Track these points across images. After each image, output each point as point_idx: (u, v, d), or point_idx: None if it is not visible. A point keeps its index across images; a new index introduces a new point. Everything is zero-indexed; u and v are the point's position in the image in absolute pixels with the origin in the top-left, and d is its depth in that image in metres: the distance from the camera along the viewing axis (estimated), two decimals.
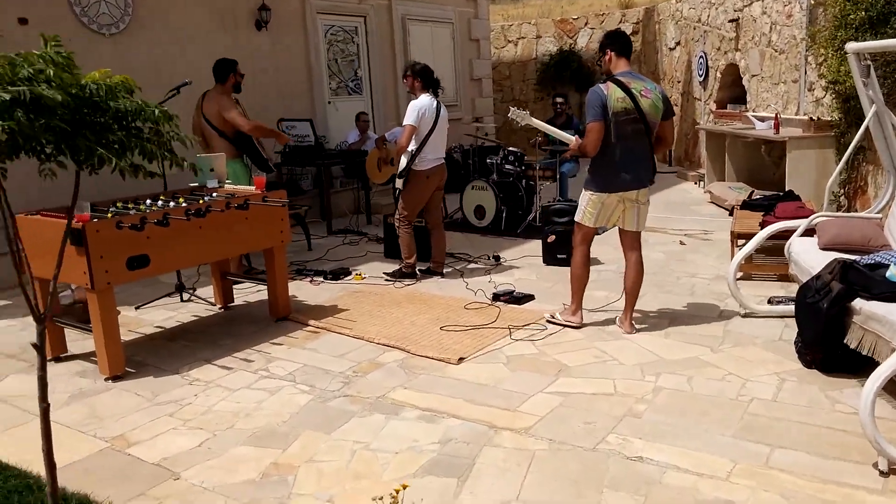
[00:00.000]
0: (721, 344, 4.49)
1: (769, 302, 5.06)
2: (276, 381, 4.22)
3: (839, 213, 5.96)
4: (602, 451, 3.25)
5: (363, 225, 8.75)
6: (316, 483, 3.10)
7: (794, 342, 4.20)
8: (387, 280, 6.23)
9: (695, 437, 3.34)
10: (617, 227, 4.78)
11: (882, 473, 2.95)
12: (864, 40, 6.00)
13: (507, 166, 8.20)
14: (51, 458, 2.48)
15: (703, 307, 5.23)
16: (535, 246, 6.92)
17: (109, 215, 4.48)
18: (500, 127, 16.21)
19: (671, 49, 13.53)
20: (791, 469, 3.03)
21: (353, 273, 6.44)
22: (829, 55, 7.09)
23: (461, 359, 4.40)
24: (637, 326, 4.77)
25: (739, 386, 3.89)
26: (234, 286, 5.85)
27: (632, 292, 4.74)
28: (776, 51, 8.99)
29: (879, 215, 4.89)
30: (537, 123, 5.00)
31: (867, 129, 4.70)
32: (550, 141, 8.53)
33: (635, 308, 4.83)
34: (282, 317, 5.27)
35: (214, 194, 5.25)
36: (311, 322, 5.16)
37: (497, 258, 6.79)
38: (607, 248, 6.70)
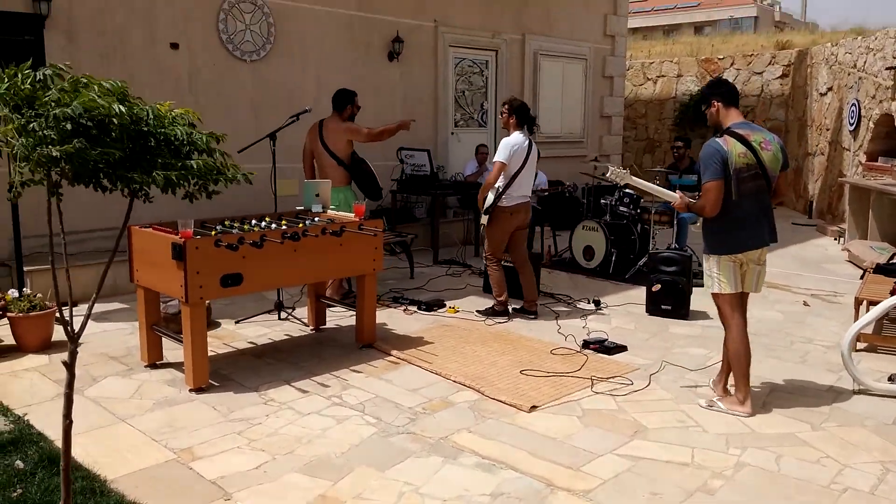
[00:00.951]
0: (824, 421, 4.07)
1: (889, 379, 4.55)
2: (345, 409, 4.24)
3: None
4: None
5: (470, 256, 8.72)
6: None
7: None
8: (478, 316, 6.15)
9: None
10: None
11: None
12: None
13: (622, 208, 7.94)
14: (67, 475, 2.57)
15: (812, 377, 4.78)
16: (641, 293, 6.62)
17: (213, 233, 4.70)
18: (628, 167, 15.80)
19: (822, 94, 12.69)
20: None
21: (448, 306, 6.42)
22: None
23: (534, 406, 4.24)
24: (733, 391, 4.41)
25: (835, 472, 3.49)
26: (329, 309, 5.97)
27: (729, 364, 4.36)
28: None
29: None
30: (638, 182, 4.74)
31: None
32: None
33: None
34: (366, 344, 5.32)
35: (316, 219, 5.41)
36: (394, 352, 5.16)
37: (597, 303, 6.56)
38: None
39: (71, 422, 2.66)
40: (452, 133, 10.47)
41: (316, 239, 4.89)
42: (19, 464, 3.43)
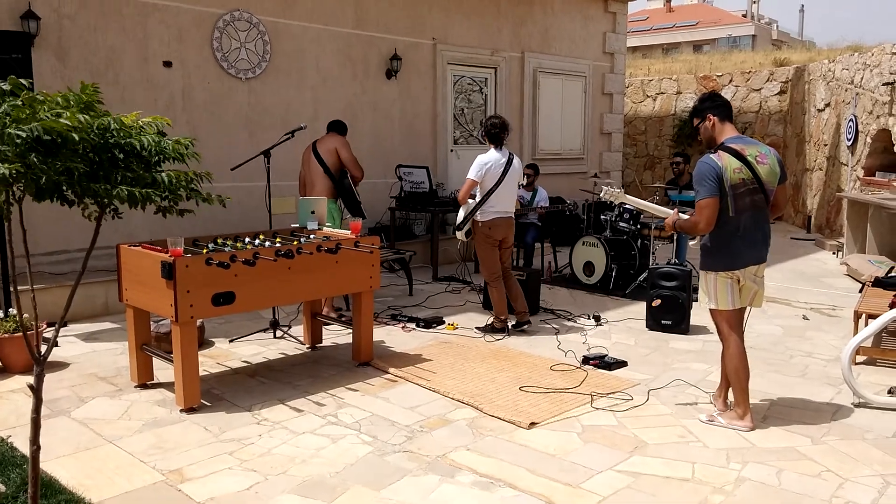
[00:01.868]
0: (825, 435, 4.00)
1: (889, 392, 4.48)
2: (341, 428, 4.16)
3: None
4: None
5: (469, 273, 8.66)
6: None
7: None
8: (477, 333, 6.09)
9: None
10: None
11: None
12: None
13: (622, 224, 7.90)
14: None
15: (812, 391, 4.71)
16: (641, 308, 6.55)
17: (204, 251, 4.65)
18: (631, 182, 15.80)
19: (820, 110, 12.70)
20: None
21: (447, 323, 6.35)
22: None
23: (533, 423, 4.17)
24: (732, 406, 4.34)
25: (836, 486, 3.42)
26: (326, 327, 5.91)
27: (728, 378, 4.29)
28: None
29: None
30: (633, 201, 4.71)
31: None
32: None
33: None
34: (363, 362, 5.25)
35: (312, 236, 5.37)
36: (391, 370, 5.09)
37: (597, 318, 6.49)
38: None
39: (38, 447, 2.58)
40: (451, 150, 10.46)
41: (311, 256, 4.84)
42: (1, 487, 3.35)
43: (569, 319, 6.59)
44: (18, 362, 5.12)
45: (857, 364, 5.17)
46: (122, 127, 2.16)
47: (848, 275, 8.51)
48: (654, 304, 6.19)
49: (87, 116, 2.10)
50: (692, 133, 15.32)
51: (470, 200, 6.10)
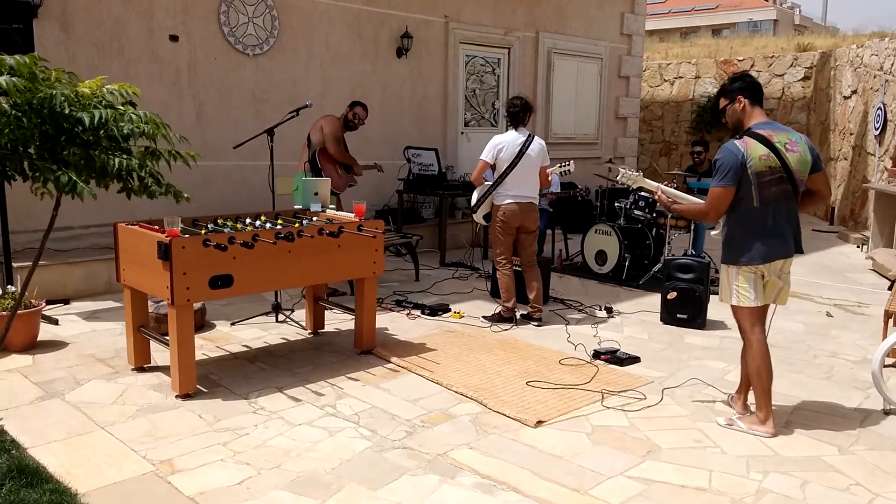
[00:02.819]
0: (853, 444, 3.77)
1: None
2: (339, 420, 3.98)
3: None
4: None
5: (478, 259, 8.44)
6: None
7: None
8: (484, 322, 5.88)
9: None
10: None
11: None
12: None
13: (637, 212, 7.64)
14: None
15: (839, 395, 4.47)
16: (655, 301, 6.31)
17: (203, 232, 4.46)
18: (647, 168, 15.49)
19: (846, 98, 12.33)
20: None
21: (453, 310, 6.15)
22: None
23: (540, 422, 3.96)
24: (753, 409, 4.11)
25: (866, 501, 3.20)
26: (329, 311, 5.72)
27: (749, 379, 4.06)
28: None
29: None
30: (651, 185, 4.45)
31: None
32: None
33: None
34: (365, 350, 5.06)
35: (314, 219, 5.16)
36: (393, 359, 4.90)
37: (609, 310, 6.27)
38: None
39: None
40: (462, 132, 10.20)
41: (312, 240, 4.64)
42: None
43: (580, 310, 6.37)
44: (18, 341, 4.97)
45: (886, 367, 4.93)
46: (69, 99, 1.94)
47: (874, 270, 8.23)
48: (669, 297, 5.96)
49: (19, 81, 1.88)
50: (711, 120, 15.03)
51: (486, 182, 5.86)
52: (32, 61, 2.01)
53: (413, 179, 8.58)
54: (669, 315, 5.97)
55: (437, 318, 6.00)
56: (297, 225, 4.79)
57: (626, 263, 7.52)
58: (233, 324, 5.70)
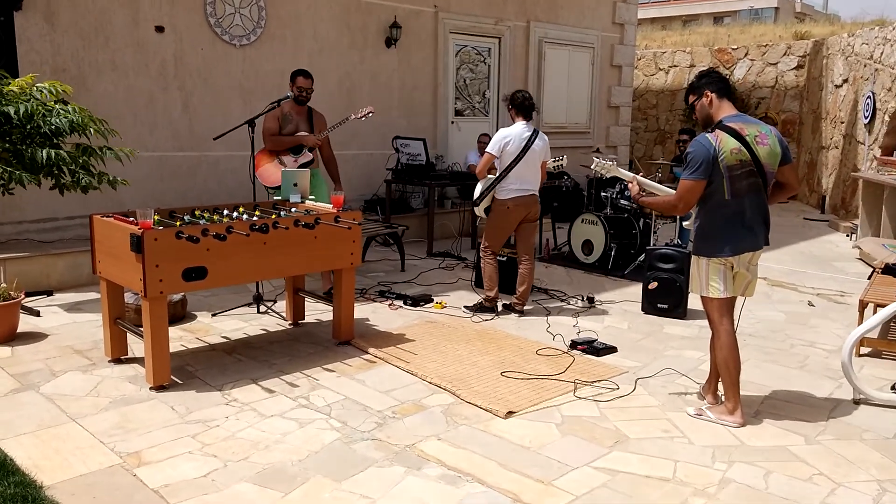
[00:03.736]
0: (820, 434, 3.79)
1: (893, 388, 4.25)
2: (311, 411, 4.00)
3: None
4: None
5: (465, 249, 8.44)
6: None
7: None
8: (465, 312, 5.89)
9: None
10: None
11: None
12: None
13: (623, 201, 7.64)
14: None
15: (811, 385, 4.48)
16: (639, 290, 6.32)
17: (178, 223, 4.46)
18: (641, 157, 15.45)
19: (837, 86, 12.29)
20: None
21: (435, 301, 6.16)
22: None
23: (510, 412, 3.98)
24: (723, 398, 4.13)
25: (827, 491, 3.22)
26: (309, 302, 5.73)
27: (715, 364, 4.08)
28: None
29: None
30: (625, 174, 4.44)
31: None
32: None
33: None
34: (344, 341, 5.08)
35: (293, 209, 5.17)
36: (371, 350, 4.92)
37: (591, 300, 6.27)
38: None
39: None
40: (452, 122, 10.18)
41: (287, 231, 4.64)
42: None
43: (562, 300, 6.38)
44: None
45: (860, 356, 4.94)
46: None
47: (860, 259, 8.22)
48: (650, 287, 5.97)
49: None
50: None
51: (490, 175, 5.85)
52: None
53: (401, 169, 8.57)
54: (650, 305, 5.98)
55: (419, 308, 6.01)
56: (273, 216, 4.79)
57: (612, 253, 7.52)
58: (214, 315, 5.71)
